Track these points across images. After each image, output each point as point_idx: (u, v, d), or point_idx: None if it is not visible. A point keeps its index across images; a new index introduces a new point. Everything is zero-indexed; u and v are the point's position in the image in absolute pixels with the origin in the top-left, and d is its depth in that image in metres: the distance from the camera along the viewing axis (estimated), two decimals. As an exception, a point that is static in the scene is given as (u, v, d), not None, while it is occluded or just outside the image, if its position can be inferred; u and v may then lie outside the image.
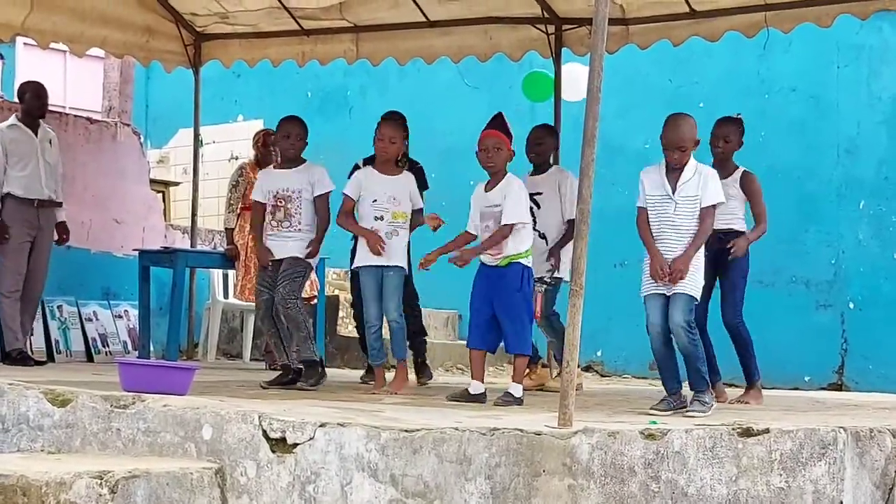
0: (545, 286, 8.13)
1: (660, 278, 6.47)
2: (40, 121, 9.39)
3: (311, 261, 7.93)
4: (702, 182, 6.57)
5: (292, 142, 7.96)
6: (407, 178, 7.81)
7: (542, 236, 8.23)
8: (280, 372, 8.04)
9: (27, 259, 9.18)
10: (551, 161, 8.59)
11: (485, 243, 7.07)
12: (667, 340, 6.55)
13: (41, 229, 9.26)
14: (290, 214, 7.89)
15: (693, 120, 6.64)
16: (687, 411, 6.39)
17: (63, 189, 9.55)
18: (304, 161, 8.00)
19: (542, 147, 8.48)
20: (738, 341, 7.68)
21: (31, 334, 9.64)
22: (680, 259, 6.47)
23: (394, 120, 7.95)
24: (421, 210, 7.82)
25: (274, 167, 8.28)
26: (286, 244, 7.87)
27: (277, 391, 7.52)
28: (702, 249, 6.57)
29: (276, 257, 7.89)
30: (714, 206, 6.58)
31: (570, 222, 8.16)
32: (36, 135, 9.27)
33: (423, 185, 8.38)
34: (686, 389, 6.62)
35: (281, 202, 7.92)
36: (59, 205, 9.43)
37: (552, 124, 9.14)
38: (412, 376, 8.49)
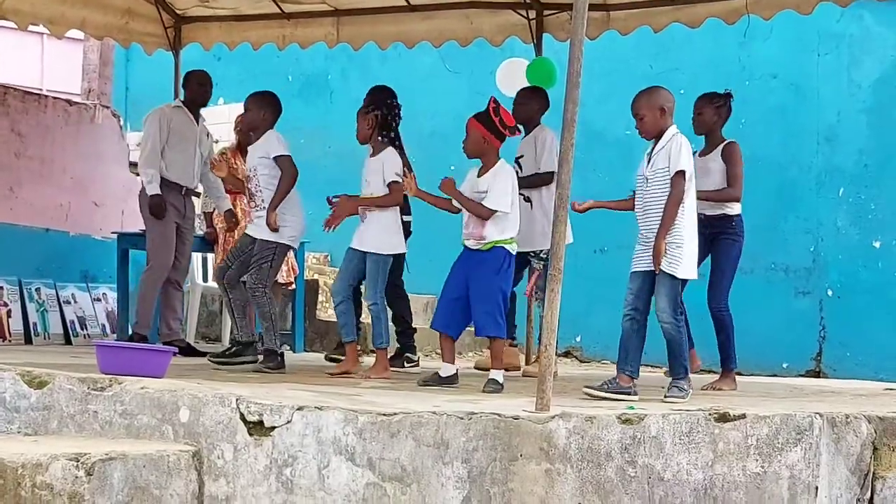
0: (542, 262, 8.12)
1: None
2: (200, 111, 9.39)
3: (283, 241, 7.95)
4: (670, 149, 6.51)
5: (243, 118, 8.18)
6: (380, 158, 7.77)
7: (527, 199, 8.20)
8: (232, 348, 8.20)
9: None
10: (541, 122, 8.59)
11: (463, 200, 7.01)
12: (635, 321, 6.53)
13: (185, 217, 9.25)
14: (252, 194, 8.03)
15: (656, 90, 6.64)
16: (665, 397, 6.39)
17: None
18: (259, 136, 8.06)
19: (524, 107, 8.52)
20: (721, 327, 7.68)
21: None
22: (654, 243, 6.44)
23: (363, 106, 7.95)
24: (395, 182, 7.72)
25: None
26: (258, 225, 7.96)
27: (259, 375, 7.52)
28: (685, 222, 6.50)
29: (251, 234, 8.00)
30: (682, 174, 6.46)
31: (543, 173, 8.19)
32: (197, 123, 9.28)
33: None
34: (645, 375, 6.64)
35: (247, 182, 8.04)
36: (198, 195, 9.47)
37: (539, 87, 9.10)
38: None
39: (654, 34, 9.65)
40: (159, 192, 8.97)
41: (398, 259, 8.11)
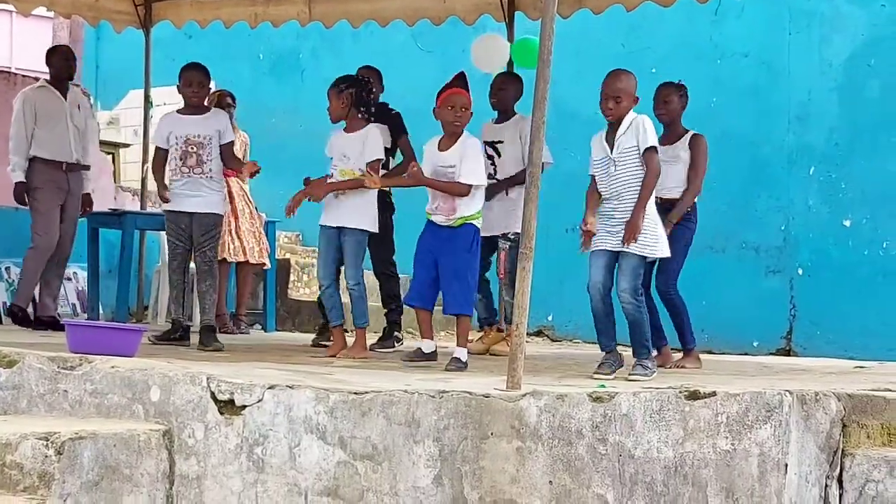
0: (509, 242, 8.11)
1: (585, 237, 6.50)
2: (70, 84, 9.34)
3: (218, 211, 8.05)
4: (636, 129, 6.49)
5: (195, 89, 8.05)
6: (362, 135, 7.65)
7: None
8: (170, 328, 8.17)
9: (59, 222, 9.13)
10: (515, 109, 8.57)
11: (439, 185, 6.98)
12: (605, 297, 6.53)
13: (70, 193, 9.20)
14: (202, 161, 7.97)
15: (633, 76, 6.62)
16: (629, 375, 6.41)
17: (90, 154, 9.50)
18: (208, 108, 8.14)
19: (504, 93, 8.50)
20: (671, 309, 7.70)
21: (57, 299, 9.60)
22: (630, 219, 6.44)
23: (335, 85, 7.88)
24: (378, 161, 7.66)
25: (178, 112, 8.22)
26: (200, 196, 7.94)
27: (222, 354, 7.50)
28: (651, 203, 6.54)
29: (189, 210, 7.95)
30: (654, 149, 6.48)
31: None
32: (65, 98, 9.22)
33: (401, 129, 8.42)
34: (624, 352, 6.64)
35: (193, 148, 7.99)
36: (87, 168, 9.36)
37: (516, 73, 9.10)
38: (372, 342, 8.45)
39: (626, 13, 9.64)
40: (23, 180, 9.00)
41: (385, 237, 8.08)
